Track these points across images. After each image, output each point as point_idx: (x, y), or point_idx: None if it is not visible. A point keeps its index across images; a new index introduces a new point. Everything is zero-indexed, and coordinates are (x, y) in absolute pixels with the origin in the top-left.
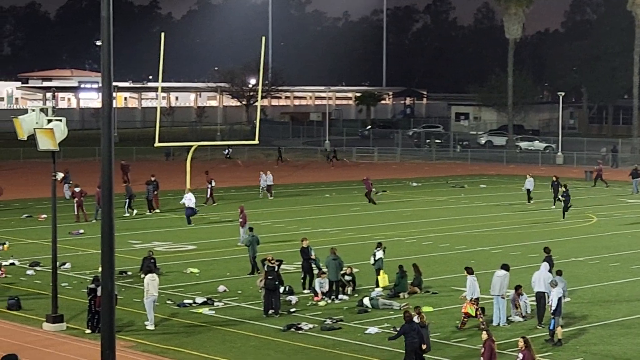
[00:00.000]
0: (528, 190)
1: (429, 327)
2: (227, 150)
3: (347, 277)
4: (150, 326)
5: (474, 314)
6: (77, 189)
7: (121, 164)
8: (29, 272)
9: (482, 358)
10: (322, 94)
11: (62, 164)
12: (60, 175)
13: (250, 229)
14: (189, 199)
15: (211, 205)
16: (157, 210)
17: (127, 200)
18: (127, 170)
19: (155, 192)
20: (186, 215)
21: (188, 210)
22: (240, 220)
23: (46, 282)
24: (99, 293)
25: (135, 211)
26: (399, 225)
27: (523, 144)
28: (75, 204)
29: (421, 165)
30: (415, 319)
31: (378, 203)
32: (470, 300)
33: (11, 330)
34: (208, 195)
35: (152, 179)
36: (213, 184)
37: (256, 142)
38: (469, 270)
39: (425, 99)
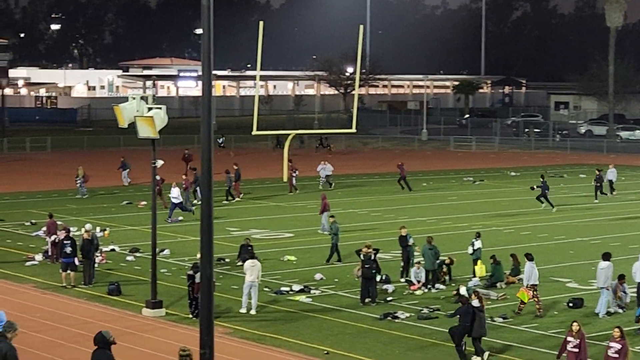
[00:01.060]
0: (610, 182)
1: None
2: (221, 139)
3: (444, 267)
4: (243, 310)
5: (526, 300)
6: (157, 177)
7: (184, 155)
8: (129, 258)
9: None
10: (420, 83)
11: (162, 151)
12: (160, 163)
13: (332, 216)
14: (176, 196)
15: (295, 194)
16: (238, 199)
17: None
18: (190, 160)
19: (236, 181)
20: (180, 208)
21: (172, 205)
22: (320, 208)
23: (145, 268)
24: (197, 279)
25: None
26: (497, 214)
27: (624, 134)
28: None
29: (520, 154)
30: (475, 303)
31: (476, 192)
32: (527, 286)
33: (111, 315)
34: (294, 183)
35: (235, 167)
36: (297, 173)
37: (353, 130)
38: (529, 257)
39: (524, 88)
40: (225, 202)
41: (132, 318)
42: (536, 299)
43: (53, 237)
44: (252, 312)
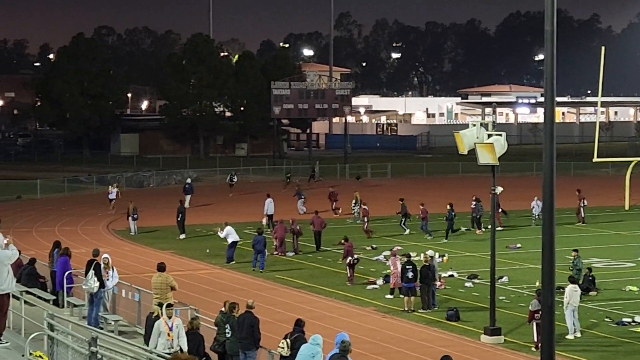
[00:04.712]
0: None
1: None
2: (235, 177)
3: None
4: (570, 336)
5: None
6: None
7: (330, 192)
8: (467, 284)
9: None
10: None
11: (500, 178)
12: (499, 189)
13: (575, 250)
14: (230, 234)
15: (582, 225)
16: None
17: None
18: (335, 198)
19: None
20: (228, 254)
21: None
22: None
23: (484, 295)
24: (530, 307)
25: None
26: None
27: None
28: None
29: None
30: None
31: None
32: None
33: (449, 340)
34: (582, 215)
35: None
36: (585, 202)
37: None
38: None
39: None
40: (478, 232)
41: (470, 344)
42: None
43: (349, 259)
44: (577, 334)
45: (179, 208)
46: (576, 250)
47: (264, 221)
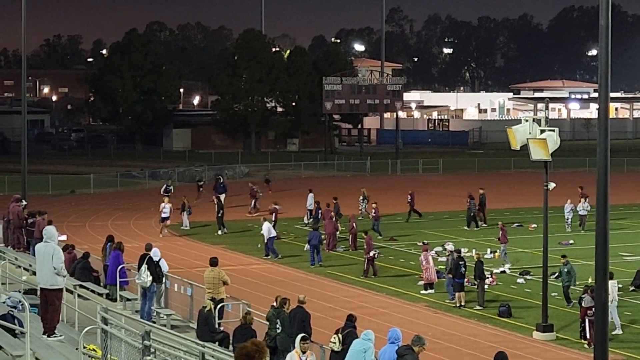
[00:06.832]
0: None
1: None
2: (170, 186)
3: None
4: (617, 331)
5: None
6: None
7: (250, 189)
8: (519, 280)
9: None
10: None
11: (553, 174)
12: (552, 185)
13: (564, 256)
14: (268, 230)
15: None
16: (484, 225)
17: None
18: (255, 196)
19: (481, 206)
20: (271, 250)
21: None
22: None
23: (536, 291)
24: (583, 304)
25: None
26: None
27: None
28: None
29: None
30: None
31: None
32: None
33: (500, 336)
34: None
35: (481, 191)
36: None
37: None
38: None
39: None
40: (475, 228)
41: (522, 340)
42: None
43: (371, 253)
44: (618, 331)
45: (217, 204)
46: (564, 257)
47: (305, 219)
